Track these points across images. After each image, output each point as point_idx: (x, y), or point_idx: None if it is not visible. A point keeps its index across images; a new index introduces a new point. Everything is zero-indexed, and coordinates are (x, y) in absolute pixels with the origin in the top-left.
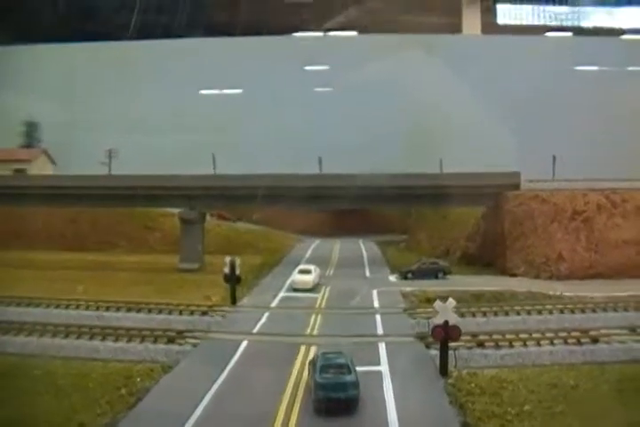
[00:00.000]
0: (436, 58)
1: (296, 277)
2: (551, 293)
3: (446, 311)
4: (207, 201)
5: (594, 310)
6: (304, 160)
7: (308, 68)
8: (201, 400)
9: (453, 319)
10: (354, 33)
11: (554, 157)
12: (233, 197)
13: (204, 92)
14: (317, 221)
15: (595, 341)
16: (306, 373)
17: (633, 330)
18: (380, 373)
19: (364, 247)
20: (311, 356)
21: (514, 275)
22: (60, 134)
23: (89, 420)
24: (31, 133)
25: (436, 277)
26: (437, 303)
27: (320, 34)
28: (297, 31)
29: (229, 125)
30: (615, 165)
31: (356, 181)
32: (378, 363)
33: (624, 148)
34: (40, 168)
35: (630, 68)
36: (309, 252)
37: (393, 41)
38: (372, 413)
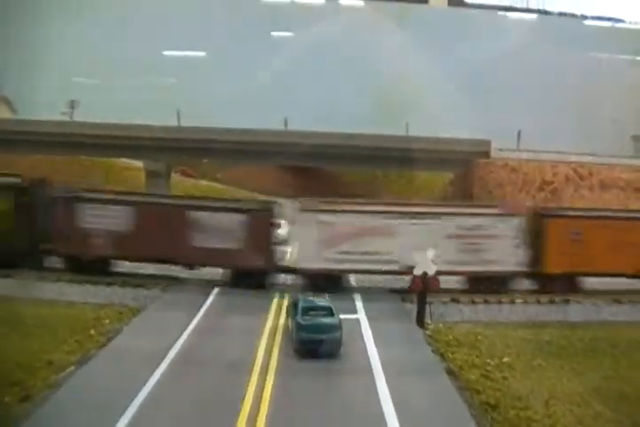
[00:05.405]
0: (402, 26)
1: None
2: None
3: (425, 262)
4: (173, 153)
5: None
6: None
7: (274, 33)
8: (175, 342)
9: (432, 270)
10: None
11: (519, 133)
12: (199, 149)
13: (167, 52)
14: (280, 183)
15: (566, 301)
16: (282, 319)
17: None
18: (357, 320)
19: None
20: (285, 303)
21: None
22: (21, 83)
23: (58, 358)
24: None
25: None
26: (416, 254)
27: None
28: None
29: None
30: (579, 139)
31: (323, 138)
32: (355, 311)
33: (588, 123)
34: None
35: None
36: None
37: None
38: (355, 356)
